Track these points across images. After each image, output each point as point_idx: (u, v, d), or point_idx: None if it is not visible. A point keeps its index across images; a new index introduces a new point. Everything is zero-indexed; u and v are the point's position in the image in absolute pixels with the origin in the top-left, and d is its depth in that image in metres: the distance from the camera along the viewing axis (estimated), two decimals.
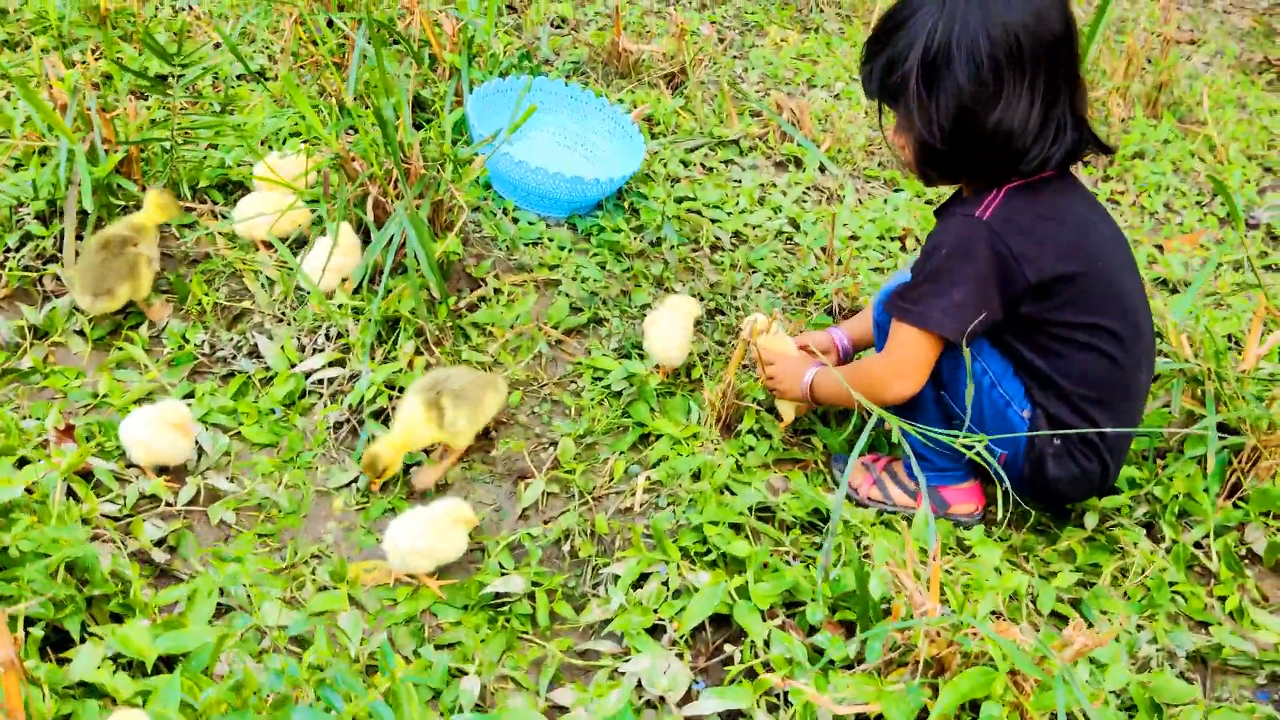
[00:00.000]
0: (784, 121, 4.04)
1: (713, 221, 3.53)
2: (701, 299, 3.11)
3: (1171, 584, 2.42)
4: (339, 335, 2.75)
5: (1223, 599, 2.43)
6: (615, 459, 2.55)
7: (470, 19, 3.56)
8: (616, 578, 2.27)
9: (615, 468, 2.53)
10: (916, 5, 2.16)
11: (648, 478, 2.47)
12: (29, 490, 2.09)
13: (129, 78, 3.24)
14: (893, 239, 3.65)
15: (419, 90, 3.63)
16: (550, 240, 3.23)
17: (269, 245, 2.93)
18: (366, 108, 3.30)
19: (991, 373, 2.31)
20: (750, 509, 2.39)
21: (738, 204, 3.65)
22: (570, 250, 3.21)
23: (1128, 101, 4.78)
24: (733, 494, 2.43)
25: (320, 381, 2.70)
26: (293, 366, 2.72)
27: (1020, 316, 2.25)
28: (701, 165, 3.88)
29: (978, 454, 2.09)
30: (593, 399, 2.71)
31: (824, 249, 3.49)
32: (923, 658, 1.89)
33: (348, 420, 2.63)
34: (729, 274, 3.23)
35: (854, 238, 3.61)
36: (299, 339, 2.77)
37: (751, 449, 2.61)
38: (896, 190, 3.98)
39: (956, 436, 2.07)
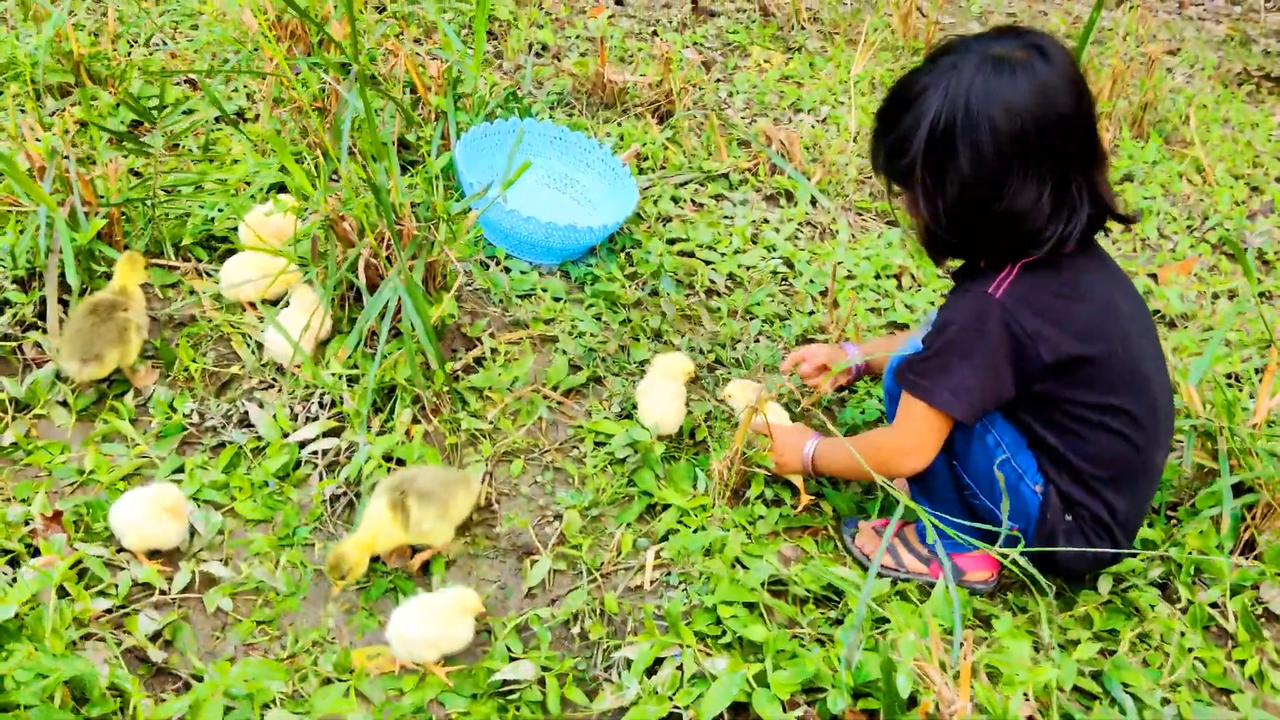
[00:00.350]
0: (774, 154, 3.99)
1: (707, 264, 3.47)
2: (701, 352, 3.05)
3: (1190, 649, 2.38)
4: (333, 403, 2.67)
5: (1242, 662, 2.40)
6: (623, 532, 2.48)
7: (455, 60, 3.48)
8: (629, 661, 2.21)
9: (623, 542, 2.46)
10: (923, 85, 2.09)
11: (657, 553, 2.41)
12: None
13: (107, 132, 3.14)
14: (889, 276, 3.60)
15: (403, 132, 3.55)
16: (544, 291, 3.16)
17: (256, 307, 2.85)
18: (351, 154, 3.23)
19: (1004, 445, 2.26)
20: (763, 584, 2.33)
21: (731, 243, 3.59)
22: (565, 301, 3.14)
23: (1114, 122, 4.76)
24: (745, 568, 2.37)
25: (315, 451, 2.62)
26: (285, 436, 2.64)
27: (1034, 393, 2.20)
28: (692, 201, 3.82)
29: (1013, 561, 2.05)
30: (596, 466, 2.65)
31: (822, 292, 3.44)
32: None
33: (344, 493, 2.55)
34: (728, 326, 3.16)
35: (850, 276, 3.56)
36: (291, 407, 2.69)
37: (761, 517, 2.54)
38: (890, 223, 3.93)
39: (991, 538, 2.02)
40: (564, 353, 2.93)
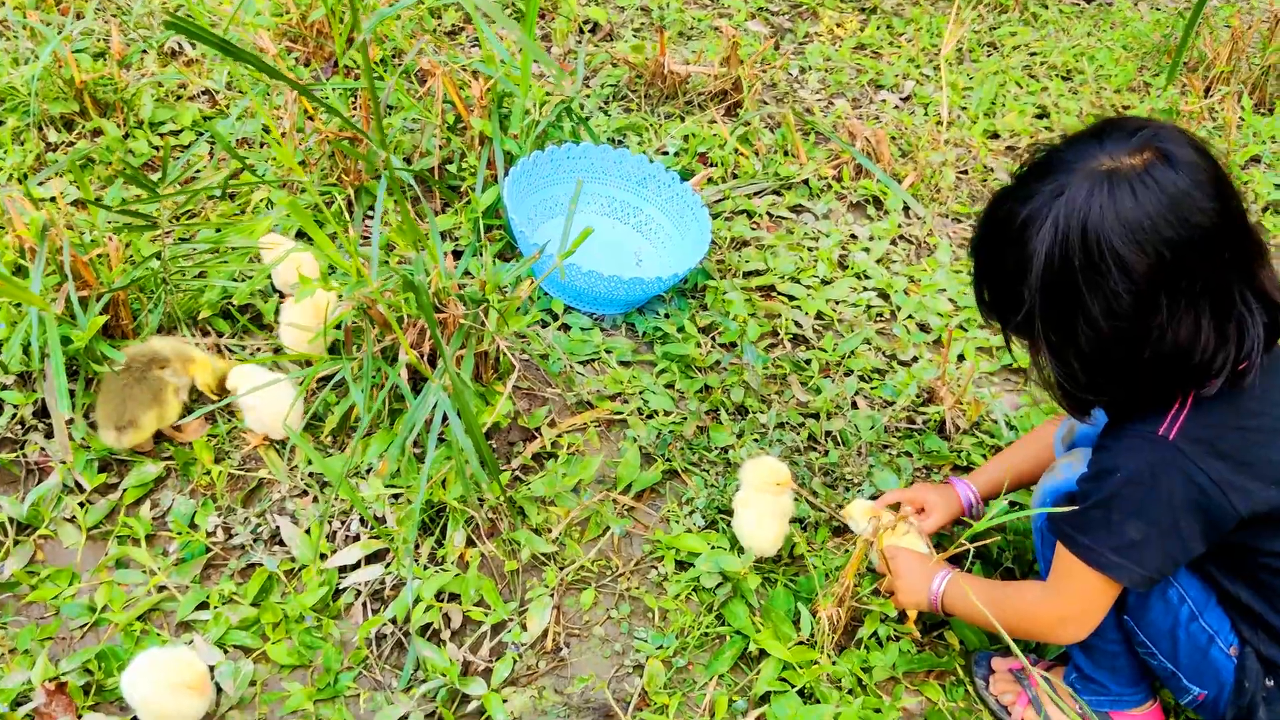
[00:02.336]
0: (860, 154, 3.54)
1: (790, 300, 3.06)
2: (789, 426, 2.66)
3: None
4: (379, 519, 2.33)
5: None
6: (715, 689, 2.13)
7: (500, 74, 3.05)
8: None
9: (717, 703, 2.10)
10: (1026, 217, 1.65)
11: None
12: None
13: (114, 189, 2.77)
14: None
15: (444, 159, 3.15)
16: (608, 353, 2.77)
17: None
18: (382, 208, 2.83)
19: (1191, 602, 1.86)
20: None
21: (816, 271, 3.17)
22: (633, 365, 2.76)
23: (1233, 92, 4.23)
24: None
25: (358, 581, 2.28)
26: (323, 558, 2.30)
27: (1222, 544, 1.79)
28: (769, 215, 3.40)
29: None
30: (679, 594, 2.28)
31: (922, 327, 3.03)
32: None
33: (391, 633, 2.22)
34: (823, 396, 2.74)
35: (954, 307, 3.13)
36: (328, 523, 2.35)
37: (875, 666, 2.17)
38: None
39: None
40: (634, 440, 2.55)
